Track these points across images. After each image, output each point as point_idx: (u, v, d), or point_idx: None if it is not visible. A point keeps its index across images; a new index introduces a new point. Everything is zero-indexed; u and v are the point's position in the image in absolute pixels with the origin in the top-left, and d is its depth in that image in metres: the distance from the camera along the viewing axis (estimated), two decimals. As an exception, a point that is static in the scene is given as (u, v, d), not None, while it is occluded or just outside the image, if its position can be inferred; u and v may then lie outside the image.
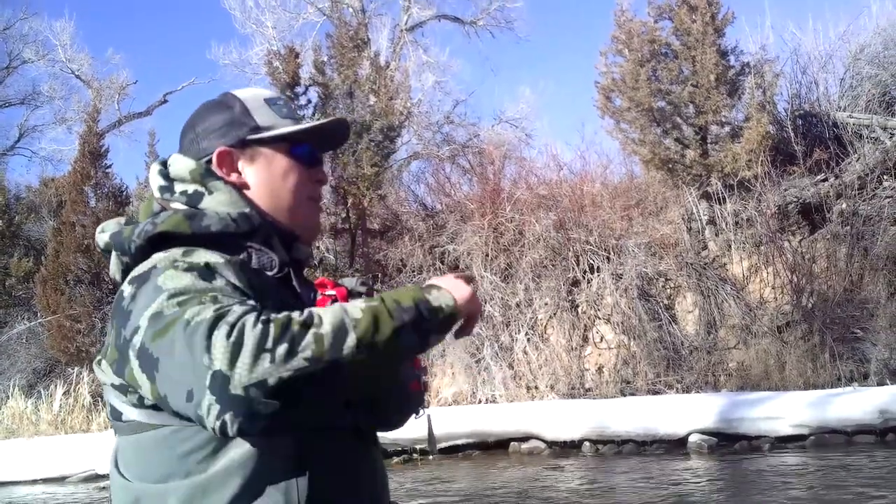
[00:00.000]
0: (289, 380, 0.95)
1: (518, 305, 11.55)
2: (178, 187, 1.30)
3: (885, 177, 10.98)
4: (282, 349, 0.96)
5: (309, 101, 13.54)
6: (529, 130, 18.80)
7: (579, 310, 11.43)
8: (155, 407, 1.12)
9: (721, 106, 11.16)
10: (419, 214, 13.54)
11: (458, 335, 1.25)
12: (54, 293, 13.97)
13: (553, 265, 11.72)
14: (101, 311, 14.15)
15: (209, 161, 1.30)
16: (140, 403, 1.15)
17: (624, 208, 12.04)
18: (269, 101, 1.34)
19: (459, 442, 8.68)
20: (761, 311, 10.60)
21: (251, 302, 1.07)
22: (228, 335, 0.97)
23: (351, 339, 1.01)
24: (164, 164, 1.34)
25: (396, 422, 1.38)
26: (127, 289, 1.14)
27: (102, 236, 1.30)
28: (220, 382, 0.95)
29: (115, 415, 1.21)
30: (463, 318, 1.20)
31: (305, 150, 1.33)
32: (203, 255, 1.15)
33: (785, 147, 11.62)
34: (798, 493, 5.92)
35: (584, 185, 12.55)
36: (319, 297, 1.27)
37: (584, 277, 11.51)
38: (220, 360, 0.95)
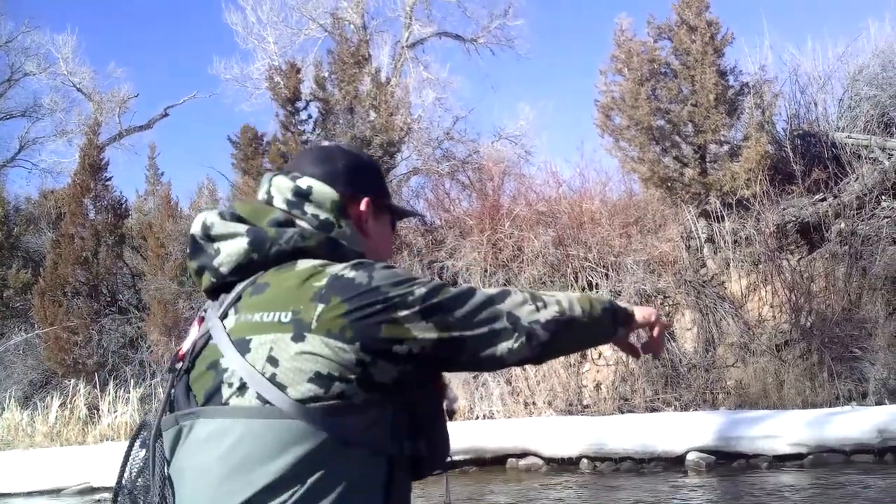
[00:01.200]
0: None
1: (516, 322, 11.52)
2: (310, 209, 1.41)
3: (883, 197, 11.01)
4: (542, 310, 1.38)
5: (309, 117, 13.61)
6: (529, 147, 18.85)
7: (577, 326, 11.39)
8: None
9: (720, 125, 11.21)
10: (418, 230, 13.56)
11: (645, 349, 1.62)
12: (52, 305, 13.95)
13: (552, 281, 11.73)
14: (99, 323, 14.13)
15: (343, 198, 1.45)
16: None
17: (623, 225, 12.07)
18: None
19: (456, 458, 8.64)
20: (760, 329, 10.60)
21: None
22: (530, 309, 1.39)
23: (576, 308, 1.37)
24: (294, 179, 1.44)
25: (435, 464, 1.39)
26: (349, 272, 1.26)
27: (226, 225, 1.35)
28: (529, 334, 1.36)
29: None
30: (643, 326, 1.56)
31: (400, 218, 1.63)
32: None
33: (784, 166, 11.67)
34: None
35: (583, 202, 12.58)
36: None
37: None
38: (524, 323, 1.37)
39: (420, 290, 1.24)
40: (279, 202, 1.41)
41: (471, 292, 1.29)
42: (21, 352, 14.87)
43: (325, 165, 1.46)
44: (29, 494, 9.26)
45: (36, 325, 14.65)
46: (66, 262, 14.44)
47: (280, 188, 1.42)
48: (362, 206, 1.46)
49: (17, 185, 43.83)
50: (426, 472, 1.34)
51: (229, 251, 1.32)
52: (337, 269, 1.26)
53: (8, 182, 25.48)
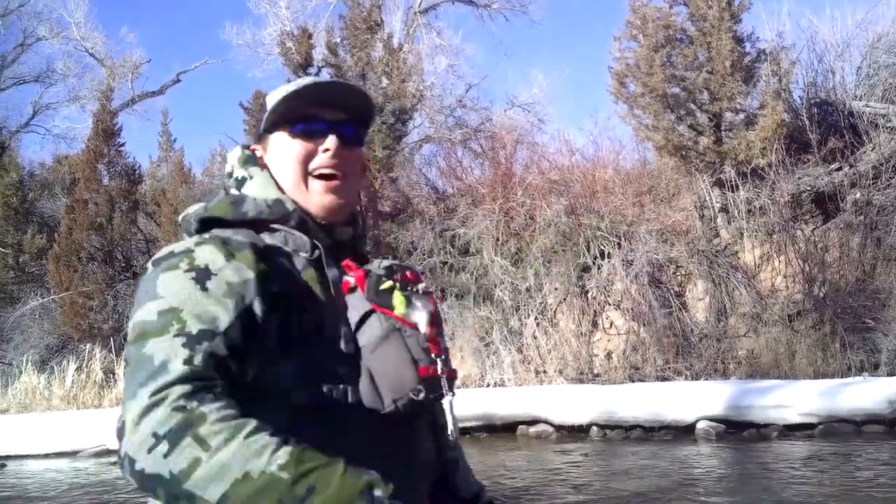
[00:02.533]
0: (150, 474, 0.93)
1: (528, 290, 11.56)
2: (235, 172, 1.37)
3: (900, 166, 10.90)
4: (161, 447, 0.93)
5: (322, 83, 13.52)
6: (542, 115, 18.75)
7: (589, 295, 11.43)
8: None
9: (736, 93, 11.08)
10: (430, 198, 13.54)
11: None
12: (67, 270, 14.07)
13: (563, 250, 11.71)
14: (114, 289, 14.27)
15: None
16: None
17: (636, 194, 12.00)
18: (292, 95, 1.30)
19: (467, 424, 8.72)
20: (772, 299, 10.57)
21: (203, 347, 1.04)
22: (144, 409, 0.96)
23: (216, 490, 0.90)
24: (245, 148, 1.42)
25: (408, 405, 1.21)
26: (149, 268, 1.19)
27: (182, 217, 1.38)
28: (119, 428, 0.99)
29: None
30: None
31: (303, 125, 1.31)
32: (211, 252, 1.16)
33: (799, 135, 11.54)
34: (805, 481, 5.93)
35: (596, 170, 12.52)
36: (353, 277, 1.28)
37: (594, 263, 11.50)
38: (126, 419, 0.98)
39: (131, 323, 1.10)
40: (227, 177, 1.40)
41: (142, 364, 1.02)
42: (37, 316, 15.04)
43: None
44: (46, 456, 9.44)
45: (51, 290, 14.80)
46: (80, 228, 14.53)
47: (229, 162, 1.41)
48: (260, 147, 1.36)
49: (30, 150, 44.14)
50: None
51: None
52: (156, 255, 1.20)
53: (22, 147, 25.56)
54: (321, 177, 1.30)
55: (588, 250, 11.56)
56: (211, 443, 0.92)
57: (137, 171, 16.37)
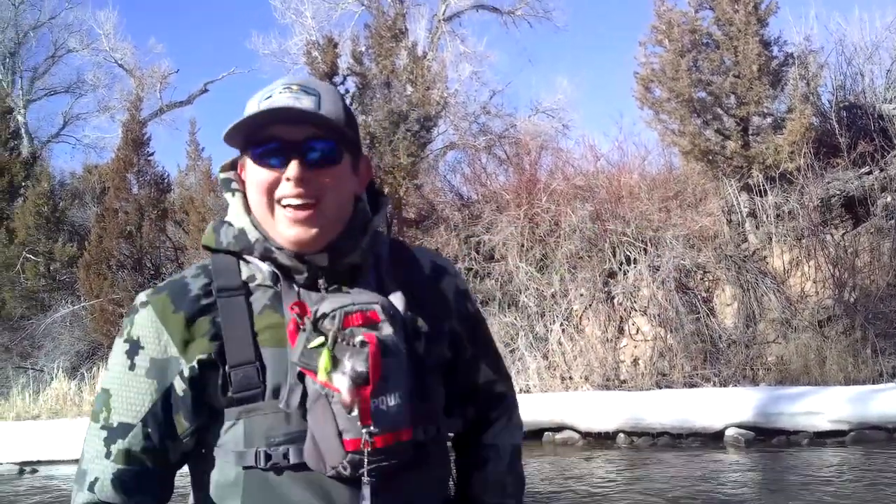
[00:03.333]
0: None
1: (553, 296, 11.52)
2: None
3: (931, 170, 10.73)
4: None
5: (347, 91, 13.61)
6: (566, 121, 18.71)
7: (615, 301, 11.36)
8: None
9: (763, 97, 10.98)
10: (455, 204, 13.55)
11: None
12: (97, 278, 14.27)
13: (589, 256, 11.66)
14: (143, 296, 14.40)
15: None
16: None
17: (662, 200, 11.92)
18: (263, 97, 1.23)
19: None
20: (802, 305, 10.44)
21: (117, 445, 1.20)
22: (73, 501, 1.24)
23: None
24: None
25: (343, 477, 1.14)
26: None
27: None
28: None
29: None
30: None
31: (260, 149, 1.20)
32: (146, 318, 1.22)
33: (829, 139, 11.41)
34: (836, 489, 5.84)
35: (621, 176, 12.45)
36: (291, 328, 1.17)
37: (620, 269, 11.43)
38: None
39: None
40: None
41: (80, 457, 1.26)
42: (68, 324, 15.24)
43: None
44: (76, 462, 9.53)
45: (82, 298, 15.01)
46: (110, 236, 14.74)
47: None
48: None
49: (61, 160, 44.80)
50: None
51: None
52: None
53: (53, 157, 26.06)
54: (288, 206, 1.18)
55: (614, 256, 11.50)
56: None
57: (166, 180, 16.58)
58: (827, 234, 10.76)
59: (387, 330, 1.14)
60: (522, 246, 12.01)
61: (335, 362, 1.10)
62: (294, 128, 1.18)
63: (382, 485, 1.14)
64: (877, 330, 9.36)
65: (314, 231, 1.19)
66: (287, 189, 1.17)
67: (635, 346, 11.04)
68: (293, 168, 1.17)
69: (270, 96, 1.21)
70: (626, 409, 8.55)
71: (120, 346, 1.23)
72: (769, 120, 11.52)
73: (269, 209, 1.20)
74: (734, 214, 11.55)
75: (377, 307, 1.16)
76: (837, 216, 11.07)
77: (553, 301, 11.48)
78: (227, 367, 1.17)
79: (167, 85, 25.51)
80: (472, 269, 12.12)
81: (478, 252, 12.38)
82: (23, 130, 22.33)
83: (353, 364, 1.09)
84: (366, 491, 1.12)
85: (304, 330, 1.13)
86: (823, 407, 7.66)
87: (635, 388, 10.04)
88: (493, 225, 12.46)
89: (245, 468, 1.16)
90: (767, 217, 11.14)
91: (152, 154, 16.19)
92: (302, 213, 1.18)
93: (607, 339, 11.01)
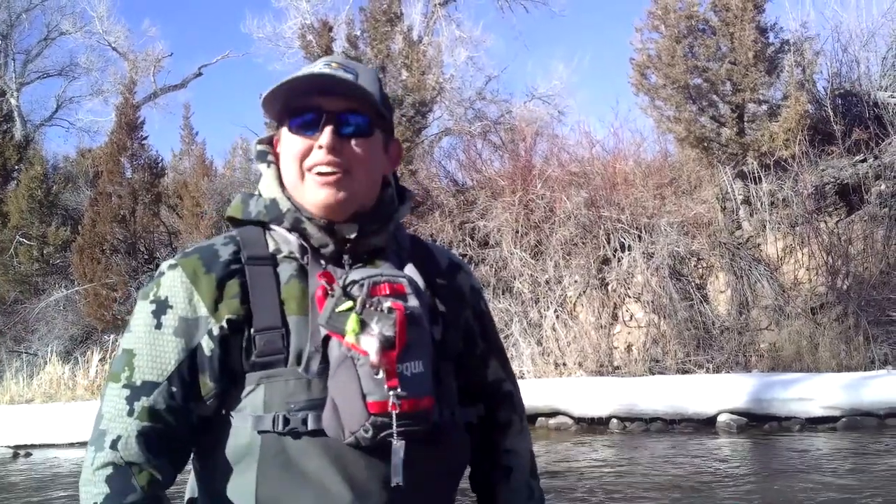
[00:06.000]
0: None
1: (547, 282, 11.54)
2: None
3: (926, 158, 10.75)
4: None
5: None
6: (562, 107, 18.63)
7: (609, 288, 11.39)
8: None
9: (759, 84, 10.98)
10: (450, 190, 13.53)
11: None
12: (91, 262, 14.25)
13: (583, 243, 11.68)
14: (137, 280, 14.41)
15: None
16: None
17: (657, 187, 11.93)
18: (281, 87, 1.24)
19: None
20: (795, 292, 10.48)
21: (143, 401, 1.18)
22: (82, 479, 1.18)
23: None
24: None
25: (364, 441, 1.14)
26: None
27: None
28: None
29: None
30: None
31: (297, 119, 1.24)
32: (176, 280, 1.22)
33: (823, 126, 11.41)
34: (827, 473, 5.88)
35: (616, 162, 12.45)
36: (319, 294, 1.17)
37: (614, 256, 11.45)
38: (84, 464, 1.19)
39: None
40: None
41: (97, 416, 1.21)
42: (62, 308, 15.22)
43: None
44: (71, 445, 9.55)
45: (75, 282, 14.99)
46: (103, 220, 14.69)
47: None
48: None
49: (55, 143, 44.69)
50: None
51: None
52: None
53: (46, 141, 25.92)
54: (318, 174, 1.22)
55: (608, 242, 11.51)
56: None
57: (160, 164, 16.52)
58: (821, 221, 10.79)
59: (413, 301, 1.16)
60: (517, 232, 12.01)
61: (363, 325, 1.11)
62: (331, 99, 1.22)
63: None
64: (869, 317, 9.41)
65: (342, 195, 1.21)
66: (318, 156, 1.21)
67: (629, 333, 11.08)
68: (326, 136, 1.20)
69: (312, 69, 1.25)
70: (620, 394, 8.59)
71: (145, 307, 1.22)
72: (764, 107, 11.51)
73: (300, 177, 1.23)
74: (728, 202, 11.56)
75: (404, 280, 1.18)
76: (831, 204, 11.10)
77: (547, 287, 11.50)
78: (252, 331, 1.18)
79: (161, 68, 25.37)
80: (466, 255, 12.12)
81: (472, 238, 12.38)
82: (15, 113, 22.18)
83: (381, 328, 1.11)
84: (398, 448, 1.12)
85: (333, 295, 1.15)
86: (815, 393, 7.71)
87: (629, 375, 10.09)
88: (488, 211, 12.45)
89: (261, 432, 1.15)
90: (762, 204, 11.16)
91: (146, 138, 16.12)
92: (328, 178, 1.21)
93: (601, 326, 11.05)
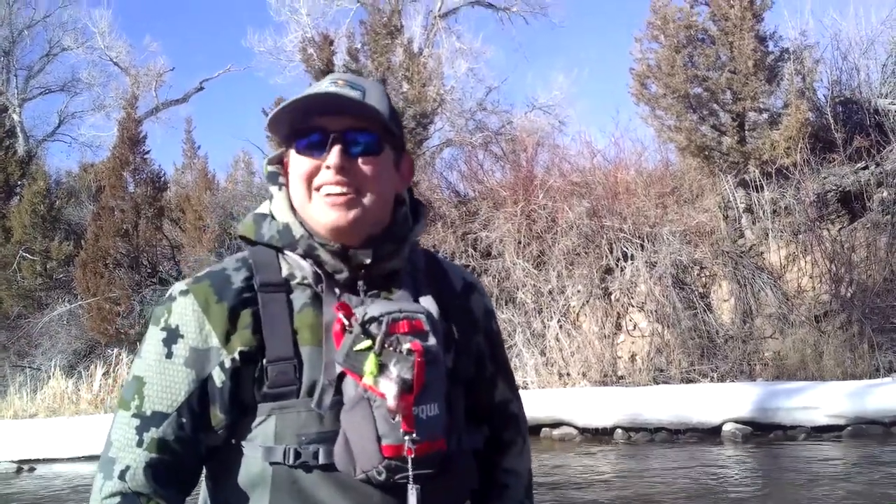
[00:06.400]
0: None
1: (550, 292, 11.53)
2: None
3: (927, 165, 10.75)
4: None
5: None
6: (563, 117, 18.72)
7: (612, 297, 11.38)
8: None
9: (759, 92, 11.00)
10: (451, 201, 13.54)
11: None
12: (94, 276, 14.26)
13: (586, 252, 11.67)
14: (140, 294, 14.42)
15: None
16: None
17: (659, 196, 11.94)
18: (285, 109, 1.22)
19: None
20: (799, 300, 10.46)
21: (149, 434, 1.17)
22: (98, 489, 1.17)
23: None
24: None
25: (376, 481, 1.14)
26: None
27: None
28: None
29: None
30: None
31: (303, 140, 1.21)
32: (187, 307, 1.20)
33: (824, 134, 11.42)
34: (834, 483, 5.86)
35: (618, 172, 12.46)
36: (336, 328, 1.16)
37: (617, 265, 11.45)
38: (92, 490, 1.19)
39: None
40: None
41: (106, 444, 1.20)
42: (65, 322, 15.23)
43: None
44: (74, 460, 9.54)
45: (79, 296, 14.99)
46: (106, 235, 14.71)
47: None
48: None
49: (57, 158, 44.80)
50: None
51: None
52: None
53: (49, 156, 26.04)
54: (327, 195, 1.20)
55: (611, 252, 11.51)
56: None
57: (162, 179, 16.55)
58: (823, 229, 10.79)
59: (431, 340, 1.14)
60: (519, 243, 12.02)
61: (381, 368, 1.10)
62: (337, 118, 1.20)
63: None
64: (873, 325, 9.38)
65: (352, 215, 1.19)
66: (327, 177, 1.19)
67: (632, 342, 11.06)
68: (334, 156, 1.18)
69: (316, 90, 1.22)
70: (624, 404, 8.56)
71: (156, 335, 1.21)
72: (765, 115, 11.53)
73: (308, 198, 1.21)
74: (731, 210, 11.56)
75: (423, 317, 1.16)
76: (833, 211, 11.09)
77: (550, 297, 11.49)
78: (264, 362, 1.17)
79: (163, 83, 25.53)
80: (469, 266, 12.12)
81: (475, 249, 12.39)
82: (18, 129, 22.28)
83: (400, 371, 1.09)
84: (412, 497, 1.11)
85: (351, 332, 1.13)
86: (820, 402, 7.68)
87: (633, 384, 10.06)
88: (490, 222, 12.46)
89: (272, 464, 1.15)
90: (764, 212, 11.16)
91: (148, 152, 16.16)
92: (338, 199, 1.19)
93: (605, 336, 11.03)
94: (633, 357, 10.90)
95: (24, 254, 16.83)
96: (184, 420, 1.17)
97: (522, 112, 18.29)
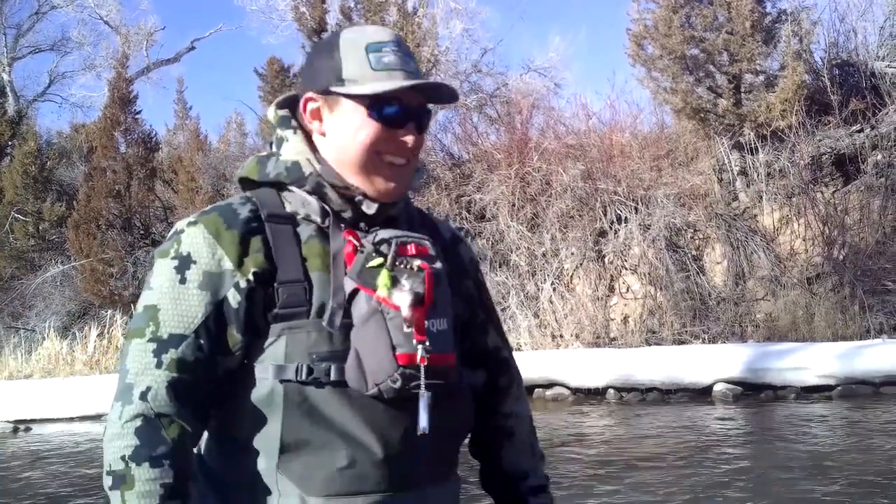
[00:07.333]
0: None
1: (544, 255, 11.55)
2: (277, 132, 1.33)
3: (923, 128, 10.73)
4: (108, 478, 1.11)
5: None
6: (558, 79, 18.47)
7: (606, 260, 11.41)
8: None
9: (756, 54, 10.92)
10: (446, 164, 13.49)
11: None
12: (87, 237, 14.21)
13: (580, 215, 11.68)
14: (133, 256, 14.40)
15: (293, 106, 1.32)
16: None
17: (653, 158, 11.91)
18: (370, 48, 1.25)
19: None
20: (791, 262, 10.51)
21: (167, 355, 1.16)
22: (108, 434, 1.14)
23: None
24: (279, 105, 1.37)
25: (388, 392, 1.17)
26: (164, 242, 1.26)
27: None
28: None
29: None
30: None
31: (386, 110, 1.24)
32: (197, 236, 1.21)
33: (820, 97, 11.38)
34: (822, 441, 5.94)
35: (613, 134, 12.40)
36: (348, 250, 1.21)
37: (611, 228, 11.46)
38: (107, 423, 1.16)
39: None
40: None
41: (121, 373, 1.18)
42: (58, 283, 15.21)
43: (301, 72, 1.39)
44: (70, 420, 9.60)
45: (72, 258, 14.96)
46: (98, 196, 14.63)
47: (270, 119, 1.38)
48: (301, 107, 1.29)
49: (48, 119, 44.32)
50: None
51: None
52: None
53: (39, 116, 25.76)
54: (391, 164, 1.26)
55: (605, 215, 11.51)
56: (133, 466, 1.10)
57: (154, 139, 16.41)
58: (817, 192, 10.80)
59: (438, 263, 1.22)
60: (513, 205, 12.01)
61: (394, 281, 1.16)
62: (415, 95, 1.26)
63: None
64: (865, 287, 9.45)
65: (404, 184, 1.29)
66: (396, 148, 1.25)
67: (625, 305, 11.12)
68: (411, 132, 1.25)
69: (379, 50, 1.25)
70: (616, 365, 8.64)
71: (166, 264, 1.21)
72: (761, 77, 11.47)
73: (371, 163, 1.25)
74: (725, 173, 11.55)
75: (428, 243, 1.24)
76: (828, 174, 11.10)
77: (544, 260, 11.52)
78: (276, 284, 1.19)
79: (154, 42, 25.13)
80: (463, 228, 12.11)
81: (469, 211, 12.38)
82: (8, 89, 22.01)
83: (412, 285, 1.17)
84: (423, 403, 1.16)
85: (363, 251, 1.19)
86: (811, 362, 7.76)
87: (625, 346, 10.14)
88: (484, 184, 12.43)
89: (283, 381, 1.17)
90: (758, 175, 11.16)
91: (139, 112, 15.99)
92: (402, 171, 1.27)
93: (597, 298, 11.08)
94: (625, 319, 10.96)
95: (16, 215, 16.75)
96: (202, 342, 1.17)
97: (518, 74, 18.05)
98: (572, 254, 11.53)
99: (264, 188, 1.29)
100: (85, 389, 10.24)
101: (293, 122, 1.31)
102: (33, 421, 9.61)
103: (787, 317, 9.57)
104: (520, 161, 12.27)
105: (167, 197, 16.37)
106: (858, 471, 4.97)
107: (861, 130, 10.89)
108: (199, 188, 14.76)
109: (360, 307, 1.17)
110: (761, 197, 11.13)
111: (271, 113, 1.34)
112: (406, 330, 1.15)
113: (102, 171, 14.91)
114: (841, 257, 10.09)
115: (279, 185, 1.28)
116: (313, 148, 1.28)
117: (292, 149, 1.29)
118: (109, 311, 13.16)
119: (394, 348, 1.14)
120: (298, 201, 1.26)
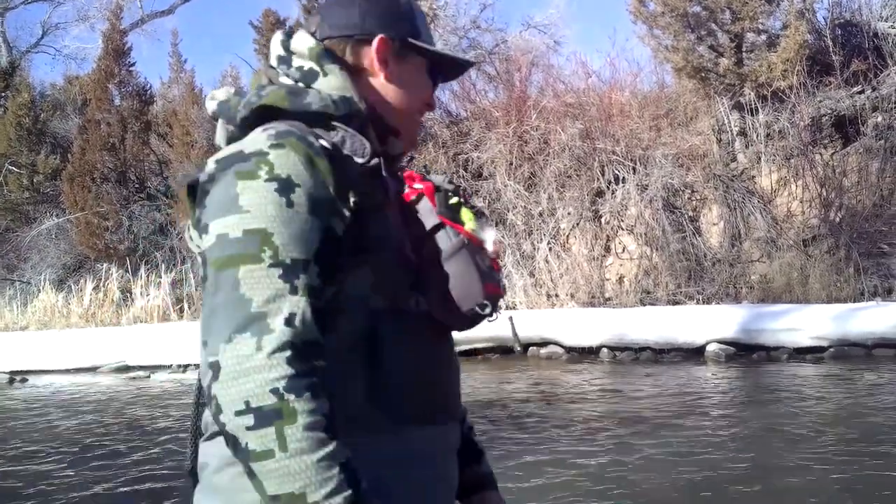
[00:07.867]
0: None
1: (541, 214, 11.53)
2: (296, 62, 1.26)
3: (924, 90, 10.65)
4: (247, 419, 0.95)
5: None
6: (558, 37, 18.25)
7: (602, 220, 11.40)
8: None
9: (758, 12, 10.78)
10: (443, 121, 13.38)
11: None
12: (81, 190, 14.14)
13: (578, 175, 11.63)
14: (128, 210, 14.34)
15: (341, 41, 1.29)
16: None
17: (653, 118, 11.83)
18: (423, 16, 1.37)
19: (479, 346, 8.82)
20: (788, 224, 10.51)
21: (305, 282, 1.04)
22: (242, 368, 0.97)
23: (273, 488, 0.95)
24: (289, 35, 1.29)
25: (470, 319, 1.24)
26: (210, 166, 1.12)
27: (211, 104, 1.27)
28: (213, 364, 0.98)
29: None
30: None
31: (439, 76, 1.39)
32: (290, 158, 1.09)
33: (822, 57, 11.27)
34: (812, 402, 5.99)
35: (612, 93, 12.30)
36: (406, 191, 1.28)
37: (608, 188, 11.42)
38: (222, 363, 0.97)
39: (210, 234, 1.07)
40: (273, 61, 1.28)
41: (237, 302, 1.01)
42: (54, 236, 15.18)
43: (344, 7, 1.30)
44: (66, 371, 9.66)
45: (67, 211, 14.90)
46: (93, 149, 14.52)
47: (274, 46, 1.29)
48: (374, 45, 1.26)
49: (41, 70, 43.79)
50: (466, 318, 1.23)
51: (218, 128, 1.27)
52: (221, 154, 1.14)
53: (33, 68, 25.43)
54: (419, 119, 1.39)
55: (602, 175, 11.47)
56: (289, 446, 0.95)
57: (149, 92, 16.25)
58: (816, 153, 10.75)
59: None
60: (511, 164, 11.95)
61: (478, 217, 1.28)
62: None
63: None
64: (860, 249, 9.46)
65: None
66: (429, 107, 1.38)
67: (621, 265, 11.13)
68: (434, 93, 1.40)
69: (425, 20, 1.38)
70: (610, 325, 8.68)
71: (264, 187, 1.07)
72: (763, 37, 11.33)
73: (417, 114, 1.37)
74: (724, 133, 11.48)
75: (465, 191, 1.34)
76: (827, 136, 11.03)
77: (540, 219, 11.50)
78: (365, 214, 1.15)
79: (148, -7, 24.74)
80: (459, 186, 12.04)
81: (466, 170, 12.32)
82: (0, 40, 21.69)
83: (487, 223, 1.28)
84: (509, 320, 1.32)
85: (441, 190, 1.29)
86: (804, 324, 7.80)
87: (620, 306, 10.18)
88: (482, 142, 12.35)
89: (372, 312, 1.15)
90: (757, 136, 11.09)
91: (133, 64, 15.82)
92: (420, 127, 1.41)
93: (593, 258, 11.09)
94: (620, 279, 10.99)
95: (11, 167, 16.63)
96: (318, 269, 1.08)
97: (517, 31, 17.82)
98: (569, 213, 11.51)
99: (292, 122, 1.17)
100: (81, 341, 10.30)
101: (345, 61, 1.27)
102: (29, 372, 9.66)
103: (782, 278, 9.60)
104: (518, 119, 12.18)
105: (162, 151, 16.25)
106: (847, 432, 5.03)
107: (862, 92, 10.81)
108: (194, 142, 14.63)
109: (442, 241, 1.23)
110: (760, 158, 11.08)
111: (305, 43, 1.25)
112: (488, 263, 1.24)
113: (97, 123, 14.77)
114: (838, 219, 10.08)
115: (315, 119, 1.18)
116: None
117: (335, 84, 1.23)
118: (105, 265, 13.15)
119: (482, 279, 1.22)
120: (339, 137, 1.17)
